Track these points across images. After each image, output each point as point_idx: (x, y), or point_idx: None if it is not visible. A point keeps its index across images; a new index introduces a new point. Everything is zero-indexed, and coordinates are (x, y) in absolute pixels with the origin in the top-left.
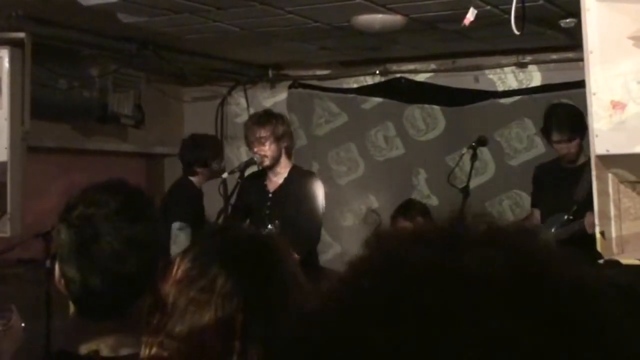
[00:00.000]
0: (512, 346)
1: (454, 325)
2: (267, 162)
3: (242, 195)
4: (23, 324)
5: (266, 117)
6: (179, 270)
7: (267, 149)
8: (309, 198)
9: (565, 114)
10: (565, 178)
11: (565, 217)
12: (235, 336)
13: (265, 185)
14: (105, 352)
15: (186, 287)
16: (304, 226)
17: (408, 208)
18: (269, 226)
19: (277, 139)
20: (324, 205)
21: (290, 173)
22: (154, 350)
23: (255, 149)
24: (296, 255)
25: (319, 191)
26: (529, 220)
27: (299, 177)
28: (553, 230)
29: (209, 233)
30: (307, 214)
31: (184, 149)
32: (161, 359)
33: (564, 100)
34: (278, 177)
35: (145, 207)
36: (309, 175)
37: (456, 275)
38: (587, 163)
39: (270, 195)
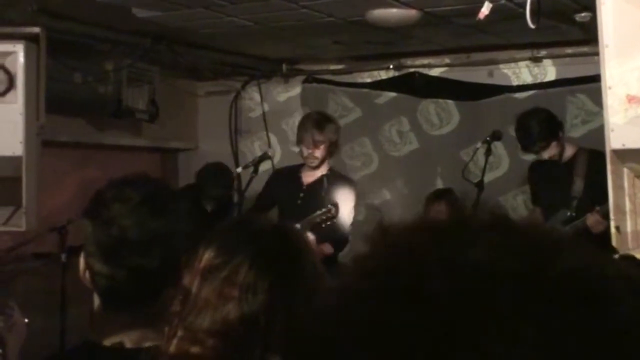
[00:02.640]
0: (523, 342)
1: (465, 323)
2: (315, 164)
3: (271, 185)
4: (26, 320)
5: (325, 122)
6: (202, 259)
7: (319, 152)
8: (344, 201)
9: (532, 126)
10: (559, 173)
11: (568, 213)
12: (258, 326)
13: (300, 178)
14: (129, 344)
15: (210, 276)
16: (336, 229)
17: (449, 194)
18: (326, 208)
19: (330, 145)
20: (354, 210)
21: (328, 171)
22: (175, 340)
23: (310, 150)
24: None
25: (354, 196)
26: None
27: (336, 178)
28: (559, 227)
29: (232, 223)
30: (340, 217)
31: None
32: (183, 349)
33: (578, 95)
34: (315, 172)
35: (169, 200)
36: (346, 178)
37: (465, 269)
38: (578, 154)
39: (304, 187)
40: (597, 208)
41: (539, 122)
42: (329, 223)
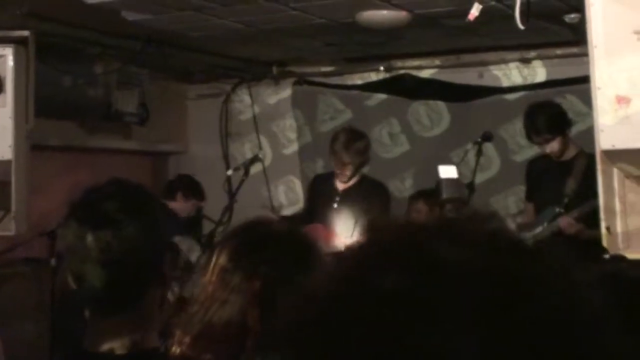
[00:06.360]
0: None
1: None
2: (345, 180)
3: (311, 190)
4: None
5: (353, 142)
6: (218, 261)
7: (349, 171)
8: (378, 205)
9: (542, 115)
10: (556, 171)
11: (557, 210)
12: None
13: (334, 184)
14: (121, 349)
15: (225, 278)
16: None
17: (427, 193)
18: None
19: (361, 164)
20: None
21: (361, 177)
22: (187, 339)
23: (339, 170)
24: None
25: (386, 200)
26: (523, 215)
27: (369, 183)
28: (546, 224)
29: (246, 226)
30: None
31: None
32: (198, 347)
33: (567, 96)
34: (349, 181)
35: (147, 203)
36: (379, 183)
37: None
38: (578, 156)
39: (339, 192)
40: (575, 210)
41: (549, 114)
42: None
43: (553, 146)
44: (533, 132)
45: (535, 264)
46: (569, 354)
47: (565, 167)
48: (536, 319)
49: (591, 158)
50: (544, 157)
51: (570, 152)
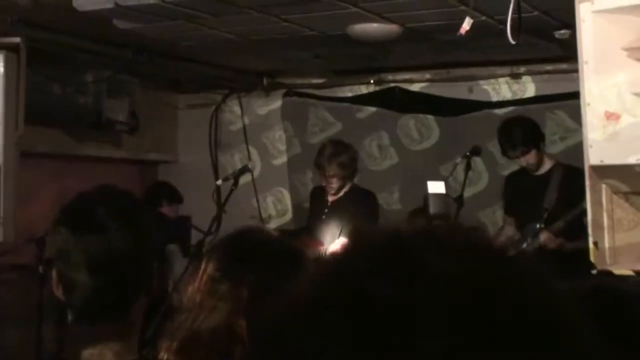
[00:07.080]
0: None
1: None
2: (333, 192)
3: (309, 202)
4: None
5: (337, 156)
6: (206, 270)
7: (335, 184)
8: (365, 214)
9: (515, 130)
10: (534, 185)
11: (537, 226)
12: None
13: (325, 195)
14: (101, 358)
15: (213, 286)
16: None
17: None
18: None
19: (347, 176)
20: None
21: (350, 188)
22: (174, 346)
23: (325, 183)
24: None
25: (374, 208)
26: (502, 229)
27: (358, 193)
28: (529, 240)
29: (234, 235)
30: None
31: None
32: (185, 354)
33: (556, 112)
34: (338, 193)
35: (136, 210)
36: (367, 192)
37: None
38: (555, 168)
39: (329, 203)
40: (553, 225)
41: (523, 128)
42: None
43: (529, 159)
44: (509, 146)
45: (513, 271)
46: (543, 355)
47: (543, 181)
48: (512, 324)
49: (568, 169)
50: (521, 171)
51: (546, 166)
